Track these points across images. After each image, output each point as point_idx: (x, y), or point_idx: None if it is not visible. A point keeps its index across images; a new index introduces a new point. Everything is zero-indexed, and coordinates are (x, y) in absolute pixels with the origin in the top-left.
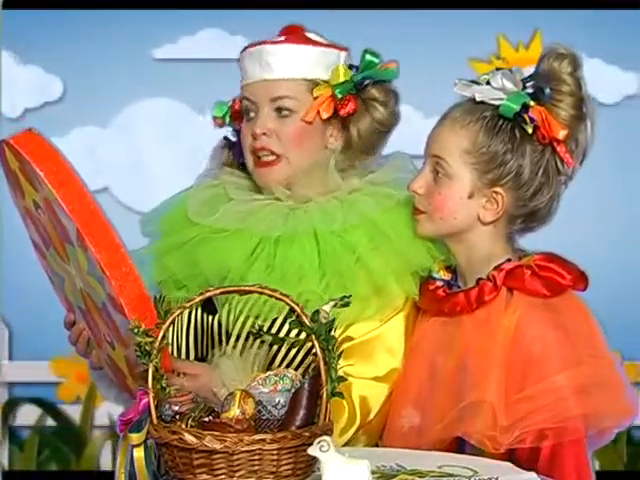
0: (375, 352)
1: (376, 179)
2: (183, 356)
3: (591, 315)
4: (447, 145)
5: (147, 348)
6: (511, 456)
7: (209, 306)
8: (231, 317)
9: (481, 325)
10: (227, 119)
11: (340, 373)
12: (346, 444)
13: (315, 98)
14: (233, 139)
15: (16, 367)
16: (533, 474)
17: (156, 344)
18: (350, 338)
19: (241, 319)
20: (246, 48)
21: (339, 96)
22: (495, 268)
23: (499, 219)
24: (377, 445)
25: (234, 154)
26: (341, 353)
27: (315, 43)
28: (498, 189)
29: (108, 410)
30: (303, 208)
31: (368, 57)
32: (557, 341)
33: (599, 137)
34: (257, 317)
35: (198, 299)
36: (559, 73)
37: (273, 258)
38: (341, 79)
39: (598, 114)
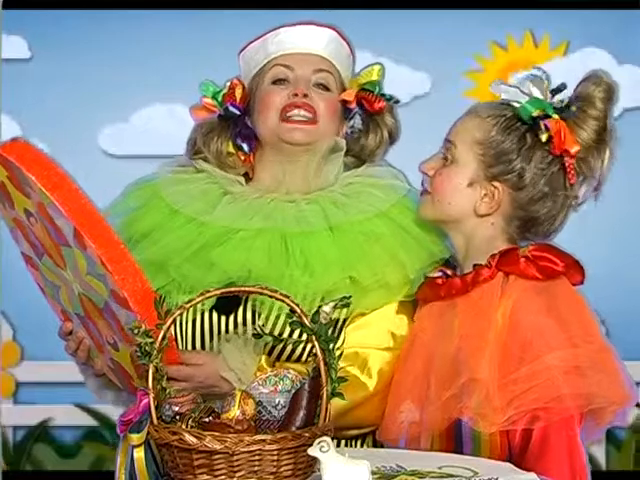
0: (384, 324)
1: (365, 172)
2: None
3: (585, 304)
4: (461, 132)
5: (147, 349)
6: (506, 440)
7: (223, 306)
8: (263, 317)
9: (474, 305)
10: (219, 99)
11: (356, 347)
12: (356, 411)
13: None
14: (237, 112)
15: None
16: (533, 475)
17: (156, 345)
18: (362, 313)
19: (272, 317)
20: (281, 27)
21: (374, 90)
22: (492, 256)
23: (494, 214)
24: (374, 436)
25: (233, 131)
26: (341, 354)
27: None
28: (496, 183)
29: None
30: (308, 201)
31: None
32: (550, 324)
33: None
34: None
35: (198, 299)
36: (591, 96)
37: (293, 254)
38: (375, 77)
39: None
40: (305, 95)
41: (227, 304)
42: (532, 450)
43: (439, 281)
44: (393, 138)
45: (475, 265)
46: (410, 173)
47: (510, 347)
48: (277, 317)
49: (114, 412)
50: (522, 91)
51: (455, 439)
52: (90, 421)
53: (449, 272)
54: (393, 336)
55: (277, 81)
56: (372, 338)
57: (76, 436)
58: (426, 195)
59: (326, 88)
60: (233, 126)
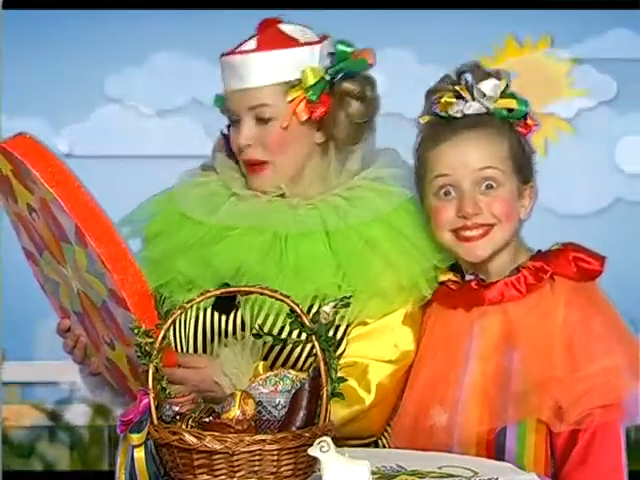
0: (387, 336)
1: (371, 175)
2: None
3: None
4: (493, 155)
5: (147, 349)
6: (548, 442)
7: (222, 306)
8: (254, 315)
9: (533, 309)
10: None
11: (356, 356)
12: (357, 422)
13: (290, 101)
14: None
15: None
16: (533, 475)
17: (156, 345)
18: (365, 323)
19: (271, 318)
20: (221, 56)
21: (313, 98)
22: (532, 258)
23: None
24: (375, 445)
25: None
26: (341, 354)
27: (287, 44)
28: (532, 184)
29: None
30: (309, 204)
31: (341, 47)
32: (603, 323)
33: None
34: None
35: (198, 299)
36: None
37: (286, 255)
38: (310, 82)
39: None
40: (248, 145)
41: (225, 305)
42: (579, 450)
43: (474, 284)
44: (360, 116)
45: (517, 268)
46: None
47: (568, 348)
48: (274, 322)
49: (67, 412)
50: (490, 95)
51: (497, 444)
52: (45, 421)
53: (481, 276)
54: (397, 348)
55: (231, 121)
56: (374, 349)
57: (31, 436)
58: (492, 229)
59: (267, 120)
60: None
